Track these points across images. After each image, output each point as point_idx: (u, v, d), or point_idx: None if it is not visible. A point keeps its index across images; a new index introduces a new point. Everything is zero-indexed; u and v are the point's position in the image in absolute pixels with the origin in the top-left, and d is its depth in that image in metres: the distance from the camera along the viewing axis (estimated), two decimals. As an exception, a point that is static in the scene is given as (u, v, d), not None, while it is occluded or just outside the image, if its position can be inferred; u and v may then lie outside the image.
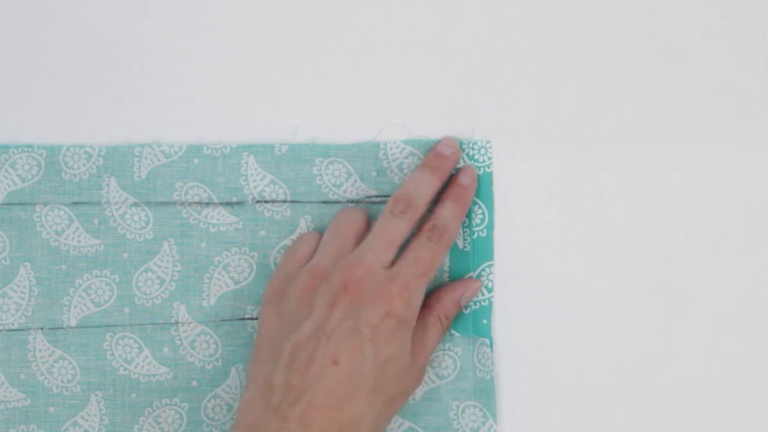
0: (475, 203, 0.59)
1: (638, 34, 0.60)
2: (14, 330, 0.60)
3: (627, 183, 0.60)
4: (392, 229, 0.55)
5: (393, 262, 0.55)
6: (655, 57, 0.60)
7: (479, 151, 0.59)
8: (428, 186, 0.57)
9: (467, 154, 0.59)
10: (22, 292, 0.59)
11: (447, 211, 0.57)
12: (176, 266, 0.60)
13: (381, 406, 0.53)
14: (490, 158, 0.60)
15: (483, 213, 0.59)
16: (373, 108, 0.60)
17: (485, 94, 0.60)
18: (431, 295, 0.58)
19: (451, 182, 0.58)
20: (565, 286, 0.60)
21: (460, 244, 0.59)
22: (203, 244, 0.60)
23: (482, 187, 0.59)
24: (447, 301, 0.58)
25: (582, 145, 0.60)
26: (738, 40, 0.60)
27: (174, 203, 0.60)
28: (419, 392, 0.59)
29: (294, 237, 0.60)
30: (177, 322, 0.60)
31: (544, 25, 0.60)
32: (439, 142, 0.59)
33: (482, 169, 0.60)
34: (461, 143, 0.59)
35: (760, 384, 0.59)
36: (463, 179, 0.58)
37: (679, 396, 0.59)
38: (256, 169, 0.60)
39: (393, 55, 0.60)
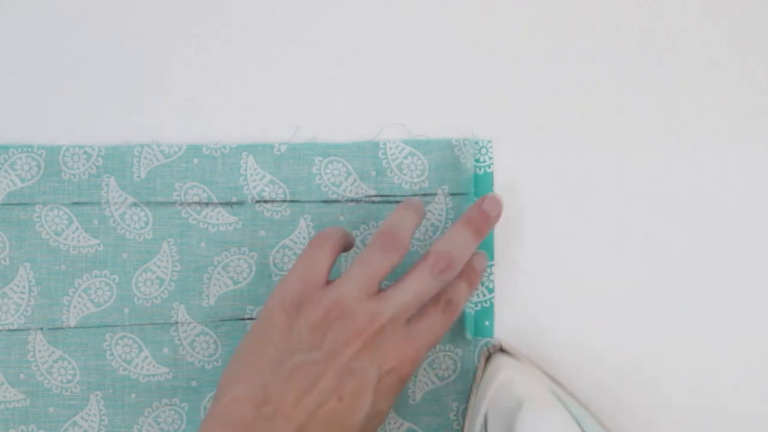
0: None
1: (638, 34, 0.60)
2: (14, 330, 0.60)
3: (627, 183, 0.60)
4: (424, 287, 0.54)
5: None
6: (655, 57, 0.60)
7: (480, 151, 0.59)
8: (469, 249, 0.55)
9: (470, 154, 0.60)
10: (21, 293, 0.59)
11: (462, 291, 0.57)
12: (176, 266, 0.60)
13: None
14: (490, 158, 0.60)
15: (483, 213, 0.59)
16: (373, 108, 0.60)
17: (485, 94, 0.60)
18: None
19: (467, 265, 0.57)
20: (566, 285, 0.59)
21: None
22: (203, 244, 0.60)
23: (483, 187, 0.59)
24: None
25: (582, 144, 0.60)
26: (738, 40, 0.60)
27: (173, 203, 0.60)
28: (419, 393, 0.59)
29: (294, 237, 0.60)
30: (177, 323, 0.60)
31: (544, 25, 0.60)
32: (485, 197, 0.57)
33: (483, 169, 0.59)
34: (462, 141, 0.59)
35: (760, 383, 0.59)
36: (479, 264, 0.58)
37: (679, 396, 0.59)
38: (255, 169, 0.60)
39: (393, 54, 0.60)
